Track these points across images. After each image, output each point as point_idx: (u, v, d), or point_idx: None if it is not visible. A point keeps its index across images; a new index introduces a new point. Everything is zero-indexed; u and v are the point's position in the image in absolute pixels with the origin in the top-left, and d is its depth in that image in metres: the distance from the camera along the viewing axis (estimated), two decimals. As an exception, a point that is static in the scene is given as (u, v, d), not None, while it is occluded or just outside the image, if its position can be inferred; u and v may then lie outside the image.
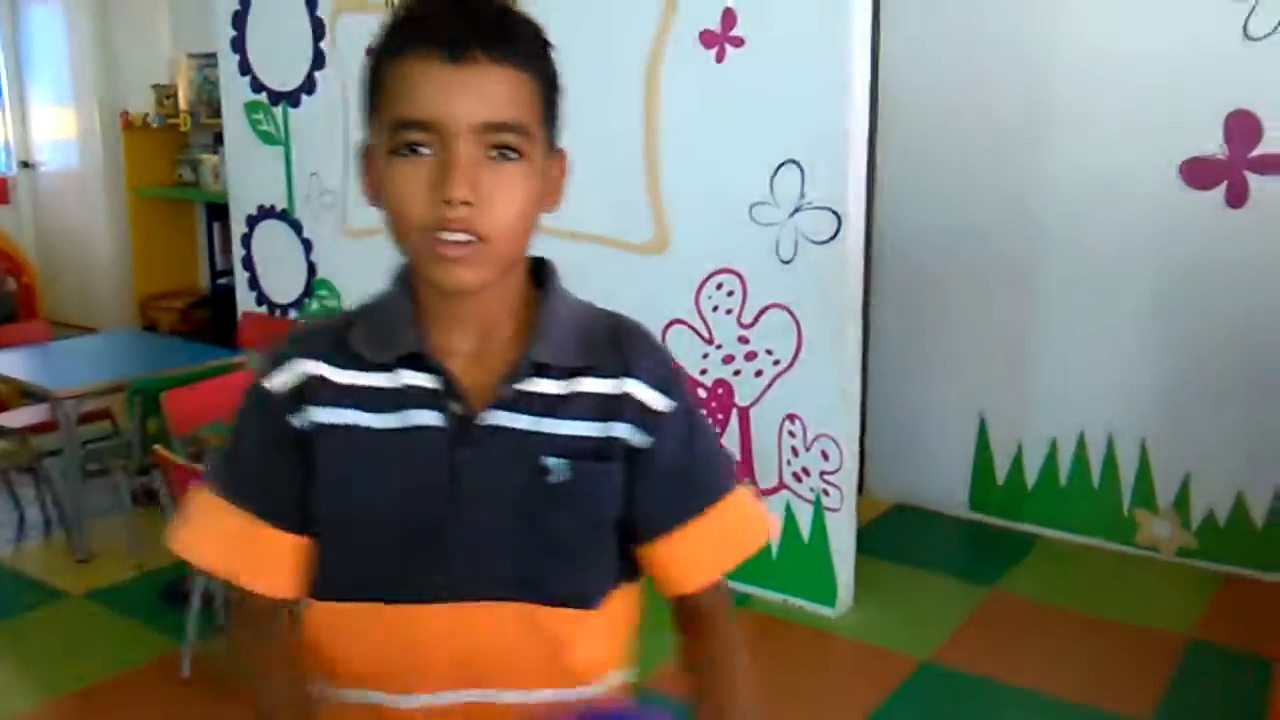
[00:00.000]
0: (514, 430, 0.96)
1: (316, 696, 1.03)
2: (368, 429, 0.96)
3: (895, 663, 3.06)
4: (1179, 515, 3.65)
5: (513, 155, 0.91)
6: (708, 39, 3.22)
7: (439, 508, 0.96)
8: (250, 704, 1.03)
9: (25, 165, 7.33)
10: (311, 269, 4.43)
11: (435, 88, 0.88)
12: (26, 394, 4.28)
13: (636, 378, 0.99)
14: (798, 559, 3.36)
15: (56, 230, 7.30)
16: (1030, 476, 3.92)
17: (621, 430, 0.98)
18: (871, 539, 3.70)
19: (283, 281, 4.54)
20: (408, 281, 0.99)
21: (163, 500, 2.88)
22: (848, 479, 3.25)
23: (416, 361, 0.96)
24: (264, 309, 4.63)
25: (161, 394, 3.28)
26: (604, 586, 1.03)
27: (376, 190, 0.95)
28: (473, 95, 0.88)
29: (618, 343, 1.00)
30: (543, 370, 0.97)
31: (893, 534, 3.96)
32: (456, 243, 0.89)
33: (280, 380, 0.98)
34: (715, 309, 3.35)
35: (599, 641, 1.04)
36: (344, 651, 1.01)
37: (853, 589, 3.38)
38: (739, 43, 3.18)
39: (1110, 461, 3.74)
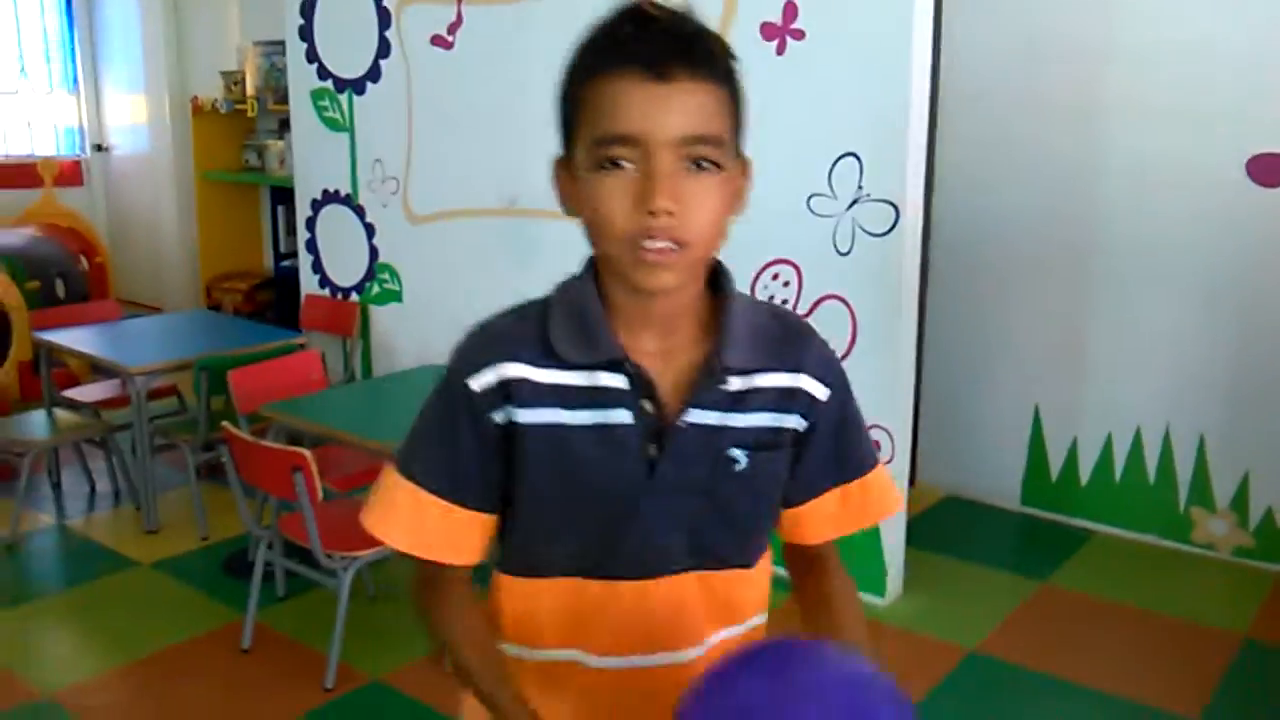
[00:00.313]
0: (703, 426, 1.04)
1: (507, 655, 1.13)
2: (569, 426, 1.03)
3: (943, 652, 3.07)
4: (1236, 514, 3.60)
5: (709, 166, 0.96)
6: (769, 31, 3.24)
7: (634, 498, 1.04)
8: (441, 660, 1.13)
9: (99, 148, 7.53)
10: (374, 253, 4.51)
11: (639, 104, 0.94)
12: (97, 370, 4.43)
13: (808, 373, 1.09)
14: (848, 548, 3.34)
15: (127, 212, 7.50)
16: (1085, 471, 3.90)
17: (792, 421, 1.09)
18: (922, 530, 3.70)
19: (345, 265, 4.64)
20: (596, 281, 1.05)
21: (228, 474, 2.97)
22: (900, 470, 3.26)
23: (614, 364, 1.03)
24: (326, 292, 4.74)
25: (228, 372, 3.37)
26: (764, 547, 1.17)
27: (572, 200, 1.02)
28: (674, 110, 0.94)
29: (790, 340, 1.09)
30: (726, 369, 1.05)
31: (944, 525, 3.96)
32: (659, 249, 0.95)
33: (484, 380, 1.04)
34: (772, 299, 3.37)
35: (756, 588, 1.18)
36: (541, 621, 1.11)
37: (902, 579, 3.39)
38: (800, 35, 3.19)
39: (1167, 458, 3.71)
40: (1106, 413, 3.81)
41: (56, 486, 4.28)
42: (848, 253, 3.21)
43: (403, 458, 1.09)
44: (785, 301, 3.33)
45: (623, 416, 1.03)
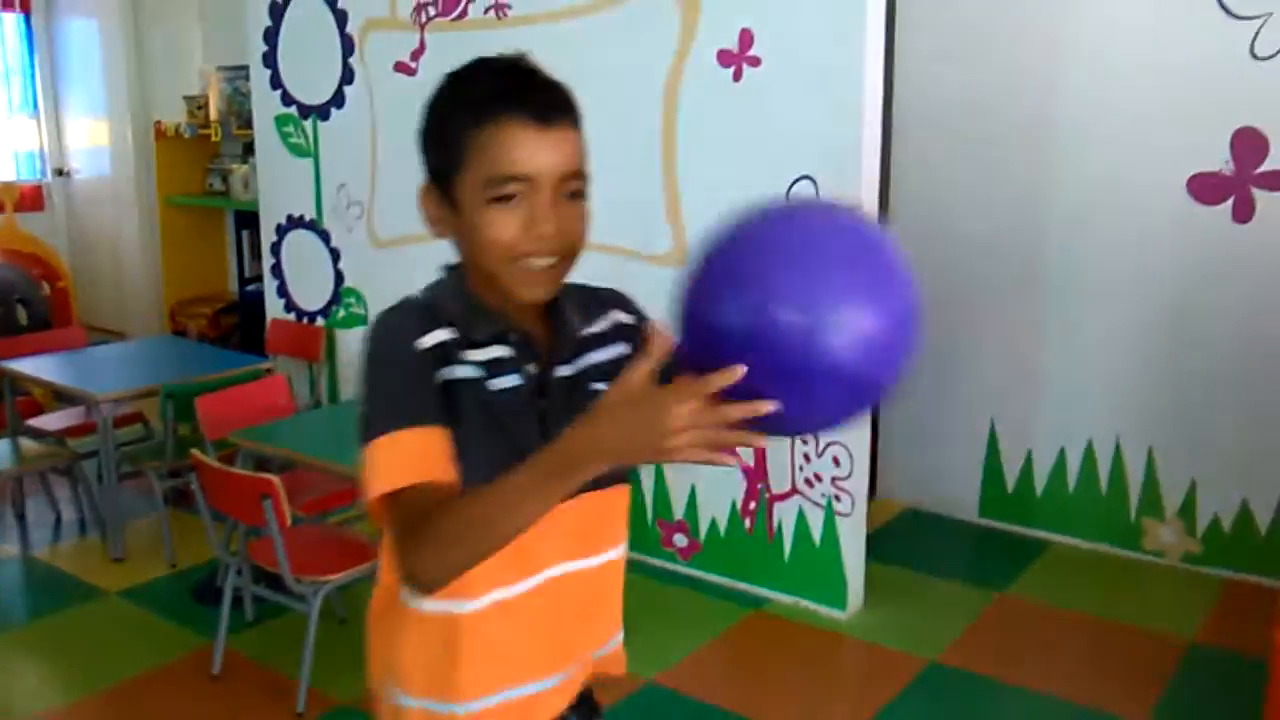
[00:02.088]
0: (570, 375, 1.26)
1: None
2: (487, 387, 1.20)
3: (904, 663, 3.15)
4: (1185, 522, 3.72)
5: (577, 195, 1.19)
6: (725, 58, 3.32)
7: (535, 440, 1.13)
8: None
9: (60, 173, 7.49)
10: (339, 277, 4.55)
11: (529, 147, 1.13)
12: (61, 397, 4.42)
13: (618, 309, 1.34)
14: (809, 562, 3.45)
15: (89, 237, 7.45)
16: (1040, 483, 4.00)
17: (622, 347, 1.31)
18: (882, 543, 3.79)
19: (311, 289, 4.67)
20: (463, 282, 1.24)
21: (196, 502, 2.99)
22: (858, 485, 3.34)
23: (502, 339, 1.21)
24: (292, 316, 4.76)
25: (196, 399, 3.39)
26: None
27: (444, 224, 1.23)
28: (557, 153, 1.15)
29: (600, 292, 1.35)
30: (573, 328, 1.26)
31: (903, 538, 4.04)
32: (544, 267, 1.17)
33: (428, 341, 1.19)
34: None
35: (624, 510, 1.36)
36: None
37: (863, 592, 3.47)
38: (756, 62, 3.28)
39: (1118, 469, 3.82)
40: (1060, 426, 3.92)
41: (21, 517, 4.26)
42: (805, 274, 3.28)
43: (385, 421, 1.15)
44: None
45: (514, 380, 1.21)
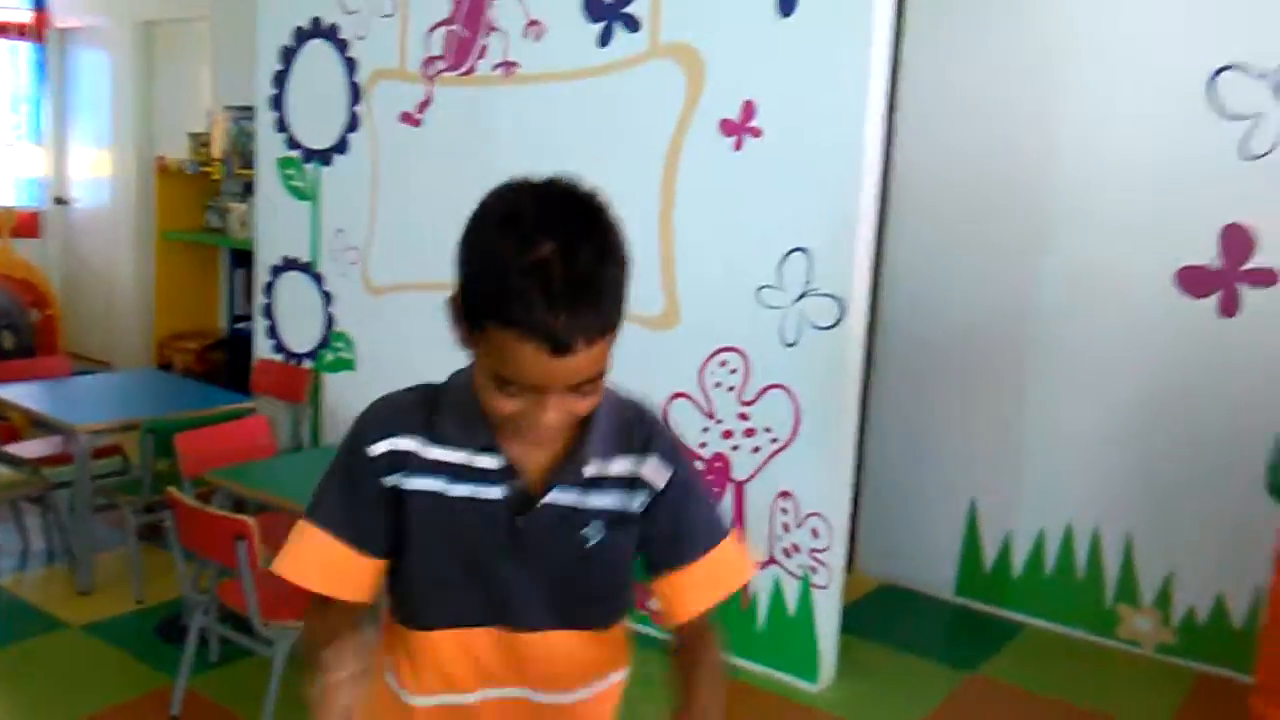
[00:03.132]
0: (561, 505, 1.22)
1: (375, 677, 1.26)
2: (448, 496, 1.20)
3: (873, 742, 3.12)
4: (1160, 612, 3.71)
5: (591, 388, 1.12)
6: (728, 128, 3.37)
7: (500, 562, 1.22)
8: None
9: (59, 201, 7.53)
10: (330, 320, 4.56)
11: (540, 368, 1.06)
12: (39, 424, 4.39)
13: (655, 453, 1.25)
14: (783, 633, 3.43)
15: (83, 266, 7.47)
16: (1017, 565, 3.99)
17: (639, 501, 1.25)
18: (857, 617, 3.76)
19: (301, 331, 4.67)
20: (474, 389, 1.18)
21: (169, 538, 2.96)
22: (836, 558, 3.33)
23: (489, 449, 1.19)
24: (280, 356, 4.76)
25: (175, 436, 3.38)
26: (619, 612, 1.33)
27: (464, 343, 1.15)
28: (570, 372, 1.08)
29: (641, 428, 1.26)
30: (586, 458, 1.21)
31: (878, 613, 4.02)
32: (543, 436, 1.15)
33: (379, 449, 1.21)
34: (718, 385, 3.46)
35: (612, 649, 1.35)
36: (424, 663, 1.27)
37: (835, 665, 3.44)
38: (757, 133, 3.33)
39: (1095, 555, 3.82)
40: (1040, 509, 3.93)
41: (-11, 544, 4.22)
42: (794, 344, 3.31)
43: (313, 510, 1.24)
44: (731, 389, 3.43)
45: (494, 493, 1.20)
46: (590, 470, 1.21)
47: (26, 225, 7.30)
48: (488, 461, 1.19)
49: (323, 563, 1.23)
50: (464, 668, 1.27)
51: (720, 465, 3.49)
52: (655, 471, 1.25)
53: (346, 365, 4.51)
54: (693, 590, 1.29)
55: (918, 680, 3.52)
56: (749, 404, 3.41)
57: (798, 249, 3.29)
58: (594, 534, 1.22)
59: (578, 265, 1.04)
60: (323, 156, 4.50)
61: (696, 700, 1.23)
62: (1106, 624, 3.81)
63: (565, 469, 1.21)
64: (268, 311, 4.81)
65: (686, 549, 1.28)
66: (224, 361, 6.50)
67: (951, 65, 4.00)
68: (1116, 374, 3.74)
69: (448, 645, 1.26)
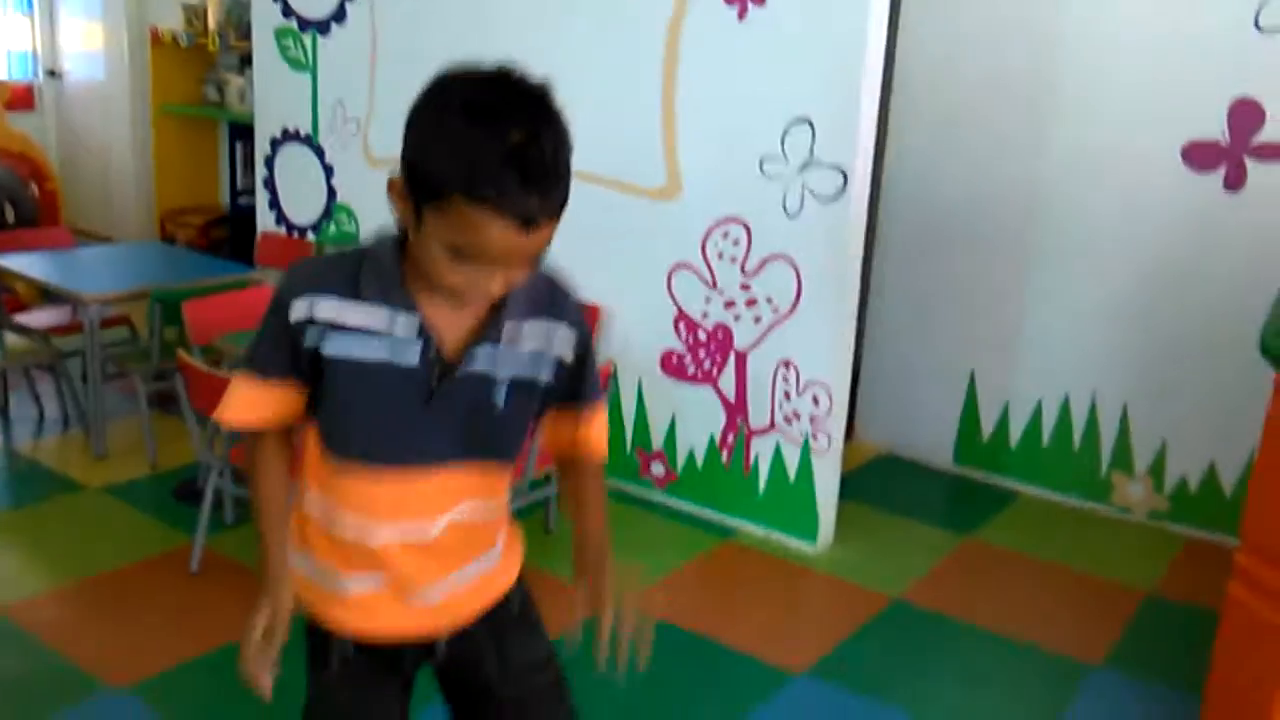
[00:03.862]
0: (475, 374, 1.31)
1: (296, 501, 1.44)
2: (365, 361, 1.28)
3: (868, 599, 3.22)
4: (1153, 479, 3.79)
5: (537, 261, 1.25)
6: (730, -8, 3.30)
7: (413, 420, 1.32)
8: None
9: (51, 74, 7.40)
10: (332, 193, 4.54)
11: (504, 244, 1.16)
12: (45, 295, 4.42)
13: (564, 321, 1.37)
14: (783, 496, 3.51)
15: (80, 140, 7.39)
16: (1014, 434, 4.06)
17: (547, 371, 1.37)
18: (856, 484, 3.85)
19: (302, 204, 4.66)
20: (400, 250, 1.27)
21: (180, 403, 3.01)
22: (836, 424, 3.39)
23: (409, 308, 1.27)
24: (282, 229, 4.75)
25: (183, 303, 3.40)
26: (520, 449, 1.45)
27: (403, 218, 1.23)
28: (528, 247, 1.18)
29: (555, 292, 1.37)
30: (502, 323, 1.30)
31: (877, 481, 4.11)
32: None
33: (299, 310, 1.28)
34: (720, 256, 3.47)
35: (506, 477, 1.48)
36: (343, 494, 1.37)
37: (834, 528, 3.53)
38: (761, 2, 3.26)
39: (1092, 424, 3.88)
40: (1037, 380, 3.98)
41: (3, 411, 4.29)
42: (796, 215, 3.31)
43: (246, 360, 1.36)
44: (734, 259, 3.43)
45: (410, 359, 1.28)
46: (507, 333, 1.31)
47: (20, 98, 7.20)
48: (405, 326, 1.27)
49: (251, 401, 1.35)
50: (372, 500, 1.36)
51: (722, 335, 3.52)
52: (565, 343, 1.37)
53: (349, 238, 4.50)
54: (599, 428, 1.50)
55: (914, 543, 3.62)
56: (751, 274, 3.42)
57: (801, 120, 3.25)
58: (503, 398, 1.33)
59: (545, 150, 1.14)
60: (320, 26, 4.41)
61: (599, 523, 1.48)
62: (1100, 491, 3.90)
63: (482, 335, 1.30)
64: (269, 184, 4.78)
65: (584, 393, 1.46)
66: (227, 236, 6.50)
67: (964, -72, 3.89)
68: (1118, 247, 3.74)
69: (360, 476, 1.35)
